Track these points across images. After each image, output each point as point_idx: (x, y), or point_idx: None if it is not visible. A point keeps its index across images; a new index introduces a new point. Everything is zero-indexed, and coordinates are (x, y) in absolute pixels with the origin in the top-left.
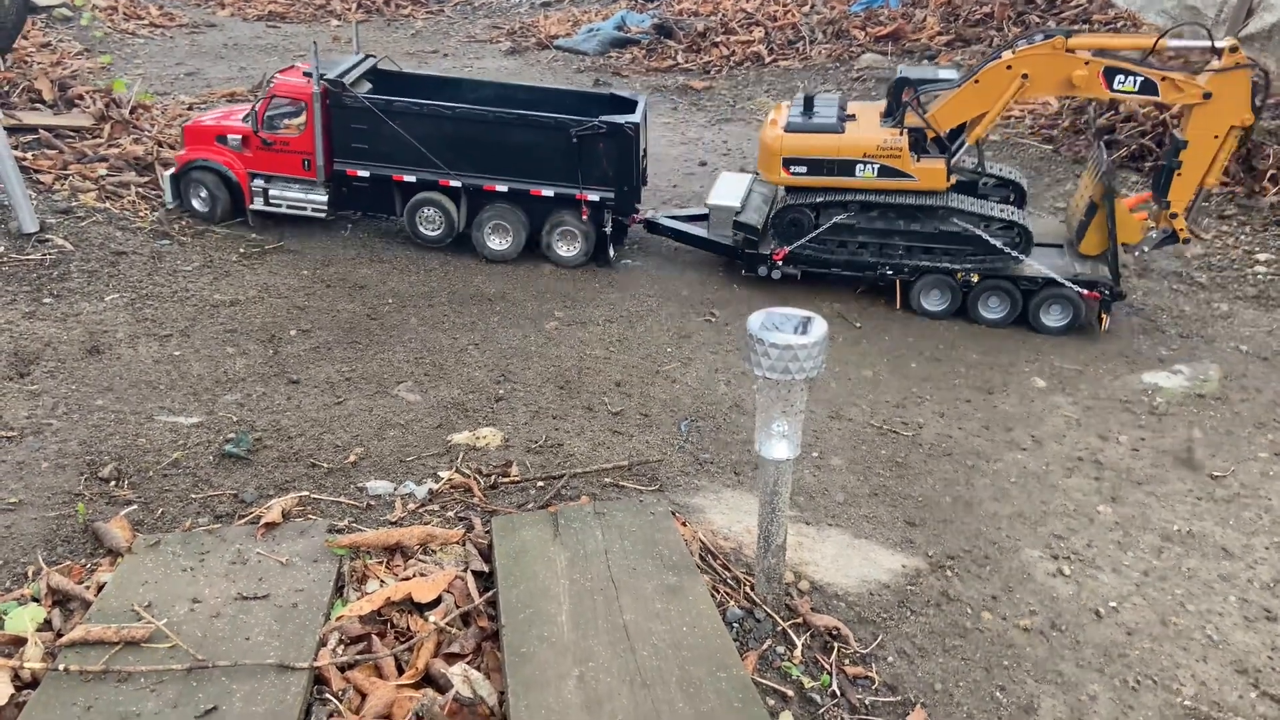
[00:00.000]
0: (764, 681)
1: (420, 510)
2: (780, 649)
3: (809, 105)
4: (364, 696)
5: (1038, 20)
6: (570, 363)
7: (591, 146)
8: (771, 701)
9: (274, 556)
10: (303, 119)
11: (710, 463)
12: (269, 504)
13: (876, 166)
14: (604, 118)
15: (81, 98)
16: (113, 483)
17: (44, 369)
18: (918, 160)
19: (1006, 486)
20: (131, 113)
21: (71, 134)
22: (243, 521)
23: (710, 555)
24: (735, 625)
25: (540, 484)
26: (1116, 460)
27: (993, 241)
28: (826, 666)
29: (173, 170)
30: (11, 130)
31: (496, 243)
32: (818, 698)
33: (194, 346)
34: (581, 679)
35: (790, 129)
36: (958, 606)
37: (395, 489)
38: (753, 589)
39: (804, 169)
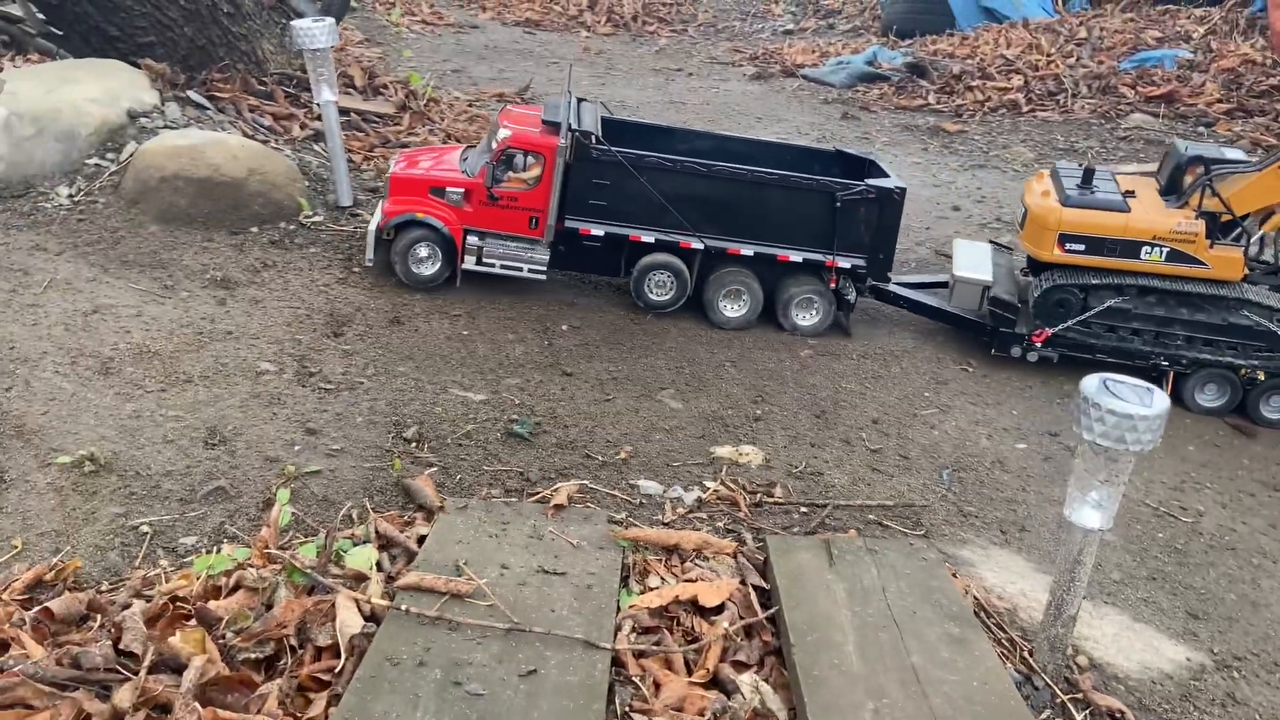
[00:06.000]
0: None
1: (689, 516)
2: None
3: (1088, 178)
4: (658, 686)
5: None
6: (825, 393)
7: (852, 211)
8: None
9: (565, 537)
10: (536, 172)
11: (975, 516)
12: (555, 487)
13: (1166, 250)
14: (871, 182)
15: (386, 87)
16: (414, 444)
17: (355, 331)
18: (1212, 247)
19: None
20: (425, 105)
21: (376, 119)
22: (532, 499)
23: (984, 612)
24: None
25: (803, 509)
26: None
27: None
28: None
29: (377, 224)
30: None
31: (731, 309)
32: None
33: (479, 329)
34: (877, 713)
35: (1070, 204)
36: (1245, 711)
37: (664, 491)
38: (1030, 654)
39: (1082, 247)
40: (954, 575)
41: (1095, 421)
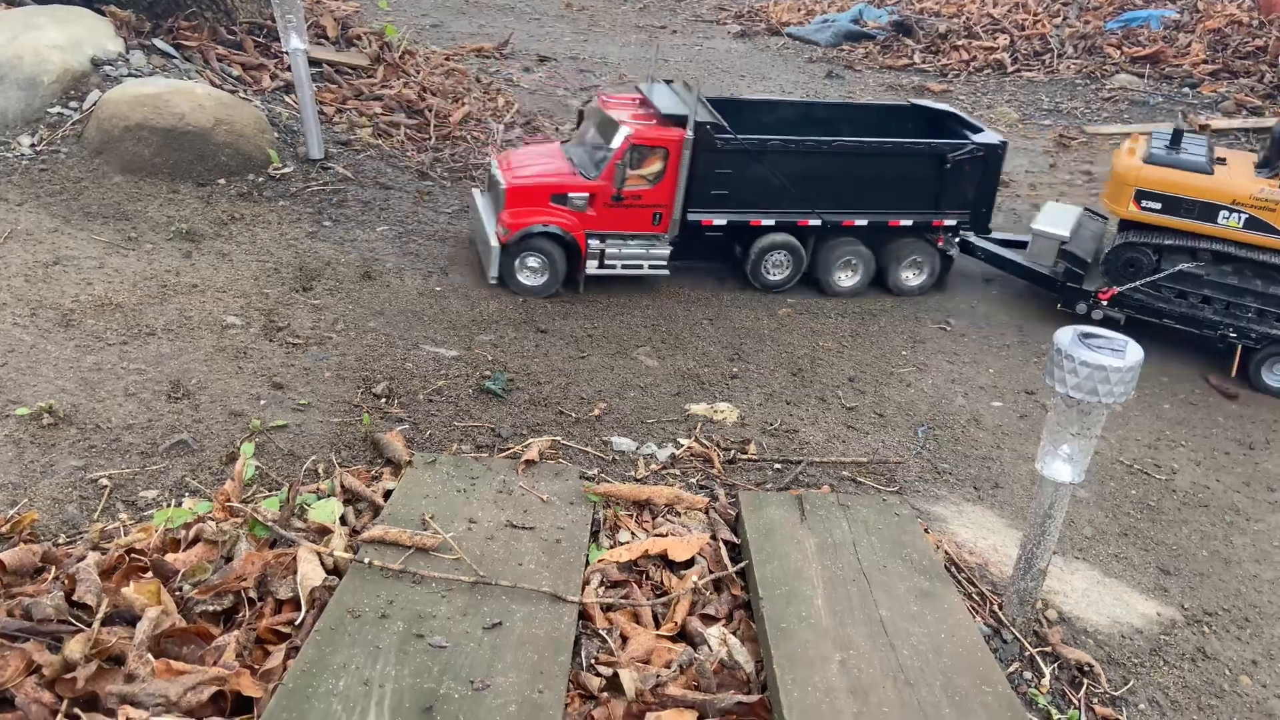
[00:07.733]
0: None
1: (662, 472)
2: (1028, 675)
3: (1176, 140)
4: (625, 639)
5: None
6: (802, 351)
7: (960, 169)
8: None
9: (535, 492)
10: (657, 168)
11: (949, 474)
12: (527, 443)
13: (1244, 217)
14: (977, 138)
15: (360, 38)
16: (384, 400)
17: (324, 286)
18: None
19: (1269, 550)
20: (400, 58)
21: (349, 71)
22: (503, 455)
23: (955, 567)
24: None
25: (777, 466)
26: None
27: None
28: (1075, 701)
29: (502, 239)
30: None
31: (846, 280)
32: None
33: (452, 285)
34: (844, 664)
35: (1151, 161)
36: (1214, 665)
37: (638, 448)
38: (1000, 608)
39: (1158, 206)
40: (926, 530)
41: (1068, 374)
